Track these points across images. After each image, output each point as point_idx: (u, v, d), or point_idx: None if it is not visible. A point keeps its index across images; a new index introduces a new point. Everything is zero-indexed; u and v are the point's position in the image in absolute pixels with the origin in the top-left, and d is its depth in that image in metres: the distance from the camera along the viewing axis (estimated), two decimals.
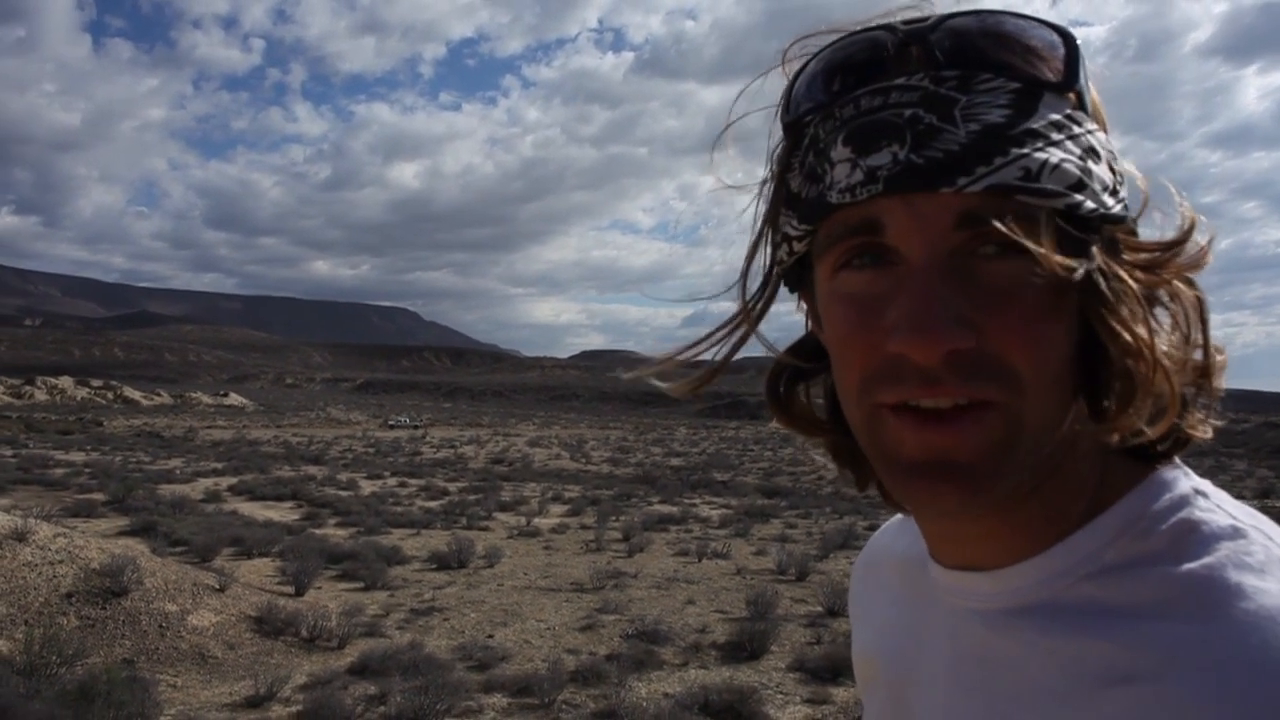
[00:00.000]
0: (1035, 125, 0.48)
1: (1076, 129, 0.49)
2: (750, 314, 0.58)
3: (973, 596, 0.56)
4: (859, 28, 0.53)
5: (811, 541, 14.09)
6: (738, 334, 0.59)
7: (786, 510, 19.30)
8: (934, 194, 0.47)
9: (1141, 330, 0.49)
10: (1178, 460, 0.55)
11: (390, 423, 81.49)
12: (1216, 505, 0.52)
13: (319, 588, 9.61)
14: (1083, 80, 0.50)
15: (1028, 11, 0.51)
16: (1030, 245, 0.46)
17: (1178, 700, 0.44)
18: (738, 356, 0.60)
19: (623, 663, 7.00)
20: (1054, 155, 0.47)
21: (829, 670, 6.86)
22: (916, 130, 0.47)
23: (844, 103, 0.51)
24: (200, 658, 6.96)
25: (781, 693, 6.60)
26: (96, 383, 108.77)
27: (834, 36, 0.54)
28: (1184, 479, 0.54)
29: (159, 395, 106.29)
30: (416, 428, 75.48)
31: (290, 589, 9.30)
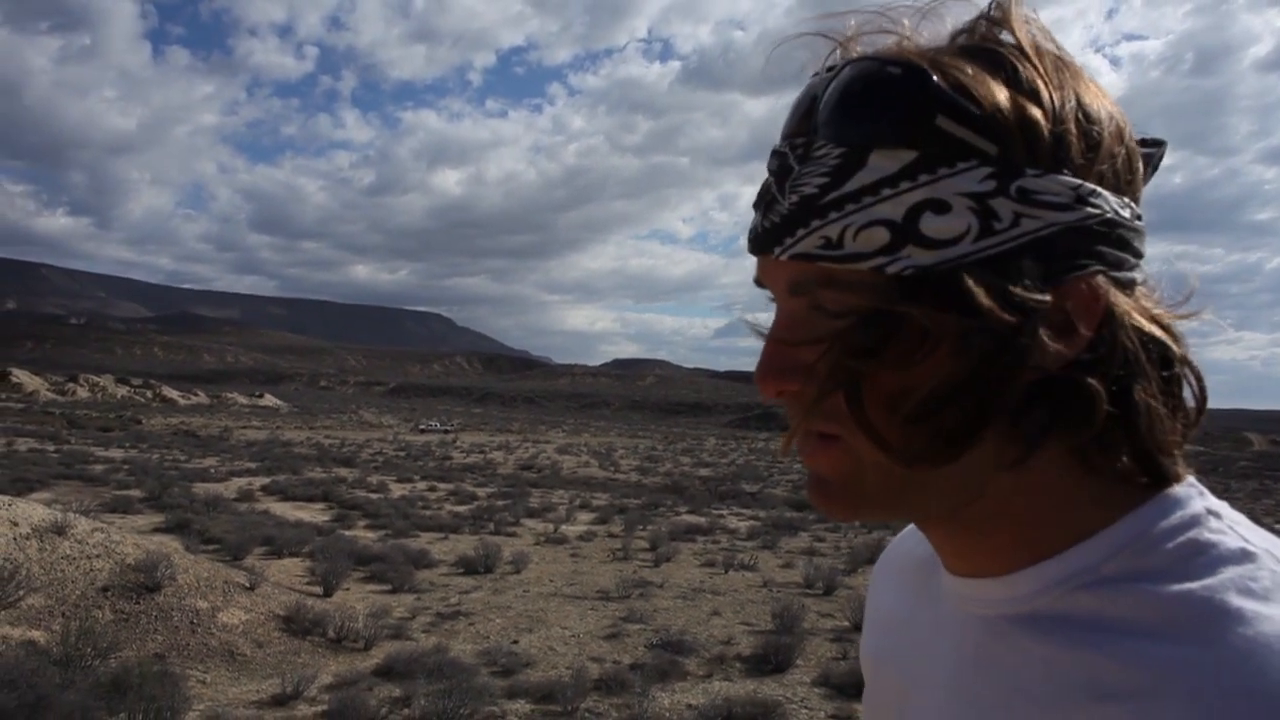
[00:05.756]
0: (850, 189, 0.49)
1: (906, 184, 0.47)
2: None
3: (978, 602, 0.56)
4: (829, 65, 0.54)
5: (839, 556, 13.95)
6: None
7: (815, 523, 19.12)
8: (772, 258, 0.53)
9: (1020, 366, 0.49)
10: (1192, 480, 0.54)
11: (421, 427, 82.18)
12: (1229, 527, 0.51)
13: (347, 589, 9.71)
14: (944, 121, 0.47)
15: (879, 53, 0.50)
16: (832, 308, 0.50)
17: None
18: None
19: (646, 672, 6.98)
20: (857, 220, 0.48)
21: (854, 686, 6.77)
22: (767, 199, 0.53)
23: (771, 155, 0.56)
24: (229, 655, 7.05)
25: (806, 707, 6.54)
26: (136, 381, 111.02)
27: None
28: (1198, 498, 0.53)
29: (196, 395, 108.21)
30: (447, 432, 76.06)
31: (319, 589, 9.40)
